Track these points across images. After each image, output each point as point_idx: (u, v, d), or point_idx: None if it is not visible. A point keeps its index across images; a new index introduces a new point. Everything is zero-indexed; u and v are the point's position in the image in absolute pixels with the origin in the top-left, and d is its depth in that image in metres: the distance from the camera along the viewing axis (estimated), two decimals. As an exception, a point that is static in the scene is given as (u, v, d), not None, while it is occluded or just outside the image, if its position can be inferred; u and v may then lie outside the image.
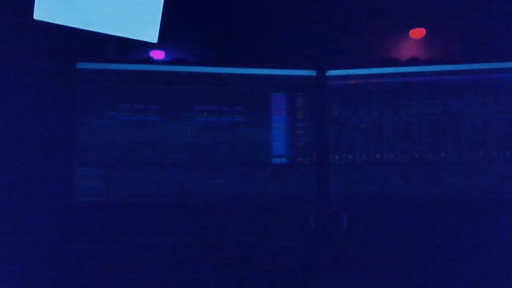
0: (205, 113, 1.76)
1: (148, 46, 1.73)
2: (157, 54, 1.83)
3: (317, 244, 1.71)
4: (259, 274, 1.63)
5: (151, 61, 1.80)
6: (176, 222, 1.71)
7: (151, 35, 1.71)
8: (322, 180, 1.77)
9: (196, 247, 1.67)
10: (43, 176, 1.66)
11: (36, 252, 1.57)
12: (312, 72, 1.82)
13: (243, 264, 1.64)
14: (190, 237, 1.69)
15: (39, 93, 1.70)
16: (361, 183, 1.77)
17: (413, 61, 1.84)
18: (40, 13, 1.62)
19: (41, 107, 1.69)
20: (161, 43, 1.71)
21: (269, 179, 1.77)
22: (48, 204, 1.65)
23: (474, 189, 1.72)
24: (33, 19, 1.60)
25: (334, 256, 1.66)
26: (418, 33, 2.01)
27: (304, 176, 1.78)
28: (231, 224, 1.73)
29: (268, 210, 1.76)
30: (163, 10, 1.69)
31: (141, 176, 1.70)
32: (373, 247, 1.67)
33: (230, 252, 1.67)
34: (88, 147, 1.69)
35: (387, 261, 1.63)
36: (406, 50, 1.97)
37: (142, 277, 1.59)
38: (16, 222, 1.62)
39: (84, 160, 1.68)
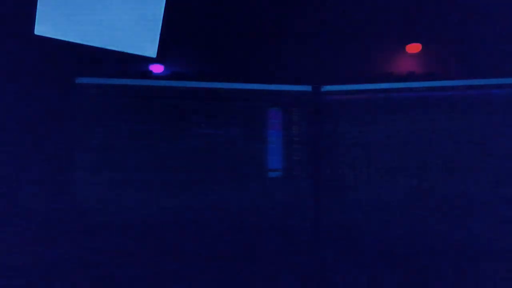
0: (203, 126, 1.79)
1: (148, 60, 1.77)
2: (156, 68, 1.86)
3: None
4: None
5: (150, 75, 1.83)
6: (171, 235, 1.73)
7: (150, 49, 1.74)
8: (316, 195, 1.80)
9: (192, 258, 1.70)
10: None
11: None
12: (307, 88, 1.85)
13: (235, 276, 1.67)
14: (184, 248, 1.72)
15: (39, 106, 1.72)
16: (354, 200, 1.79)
17: (409, 76, 1.86)
18: (41, 29, 1.65)
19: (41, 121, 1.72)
20: (160, 58, 1.74)
21: (265, 192, 1.79)
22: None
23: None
24: (34, 34, 1.64)
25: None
26: (414, 48, 2.01)
27: (299, 189, 1.80)
28: (227, 237, 1.75)
29: (264, 223, 1.78)
30: (162, 25, 1.71)
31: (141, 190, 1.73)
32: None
33: (226, 264, 1.70)
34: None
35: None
36: (402, 65, 1.98)
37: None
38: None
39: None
